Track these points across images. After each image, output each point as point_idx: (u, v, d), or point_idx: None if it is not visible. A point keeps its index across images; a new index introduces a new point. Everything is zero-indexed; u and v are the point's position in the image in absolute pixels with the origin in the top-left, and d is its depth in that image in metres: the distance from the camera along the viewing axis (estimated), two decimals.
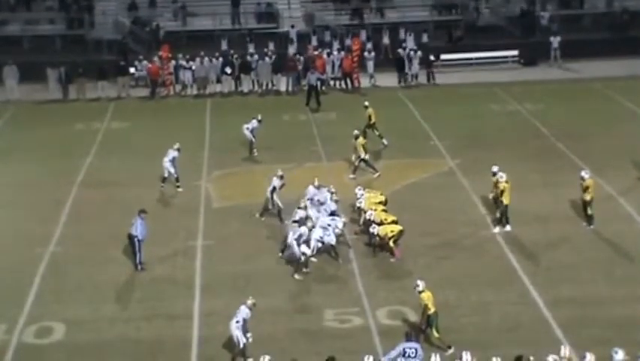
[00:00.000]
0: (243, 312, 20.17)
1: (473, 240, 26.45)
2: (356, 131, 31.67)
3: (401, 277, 24.01)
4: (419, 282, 20.90)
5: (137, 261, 24.91)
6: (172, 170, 30.24)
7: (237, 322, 19.99)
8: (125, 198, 29.51)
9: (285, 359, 19.57)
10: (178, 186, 30.42)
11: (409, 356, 18.87)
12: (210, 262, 25.44)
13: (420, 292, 20.75)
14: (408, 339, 19.36)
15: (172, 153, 30.33)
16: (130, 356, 20.88)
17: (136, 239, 24.77)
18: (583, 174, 26.98)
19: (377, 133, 34.38)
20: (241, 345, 19.92)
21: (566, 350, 18.53)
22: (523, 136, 35.89)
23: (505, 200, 26.51)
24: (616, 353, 17.97)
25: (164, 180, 30.40)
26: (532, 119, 38.19)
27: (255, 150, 33.67)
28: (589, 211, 26.76)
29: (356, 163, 31.24)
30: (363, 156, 31.04)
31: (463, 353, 18.30)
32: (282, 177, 27.82)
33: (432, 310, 20.54)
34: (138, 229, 24.81)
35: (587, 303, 22.53)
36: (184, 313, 22.58)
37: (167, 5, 51.45)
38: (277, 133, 36.05)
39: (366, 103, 35.23)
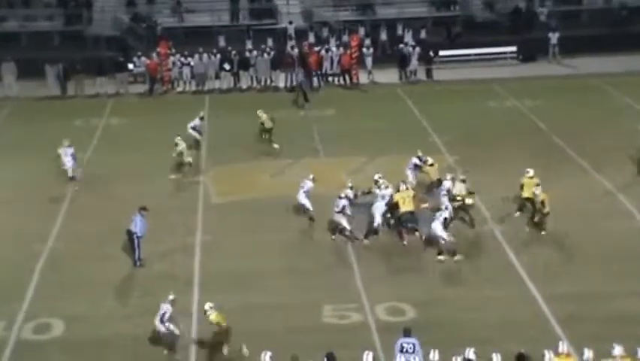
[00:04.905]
0: (164, 308, 20.49)
1: (471, 236, 26.45)
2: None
3: (400, 273, 23.99)
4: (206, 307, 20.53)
5: (136, 257, 24.92)
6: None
7: (162, 320, 20.39)
8: (124, 194, 29.50)
9: (284, 354, 19.58)
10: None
11: (406, 351, 18.85)
12: (209, 258, 25.44)
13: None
14: (405, 335, 19.34)
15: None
16: (129, 353, 20.90)
17: (135, 235, 24.78)
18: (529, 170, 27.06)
19: (268, 137, 34.10)
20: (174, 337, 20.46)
21: (564, 346, 18.56)
22: (522, 132, 35.86)
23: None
24: (614, 348, 18.00)
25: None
26: (530, 115, 38.18)
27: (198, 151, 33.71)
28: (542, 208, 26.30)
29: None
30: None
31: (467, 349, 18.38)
32: (313, 180, 27.47)
33: None
34: (137, 225, 24.80)
35: (585, 299, 22.56)
36: (183, 309, 22.50)
37: (165, 1, 51.38)
38: (275, 129, 35.94)
39: (260, 111, 34.76)
